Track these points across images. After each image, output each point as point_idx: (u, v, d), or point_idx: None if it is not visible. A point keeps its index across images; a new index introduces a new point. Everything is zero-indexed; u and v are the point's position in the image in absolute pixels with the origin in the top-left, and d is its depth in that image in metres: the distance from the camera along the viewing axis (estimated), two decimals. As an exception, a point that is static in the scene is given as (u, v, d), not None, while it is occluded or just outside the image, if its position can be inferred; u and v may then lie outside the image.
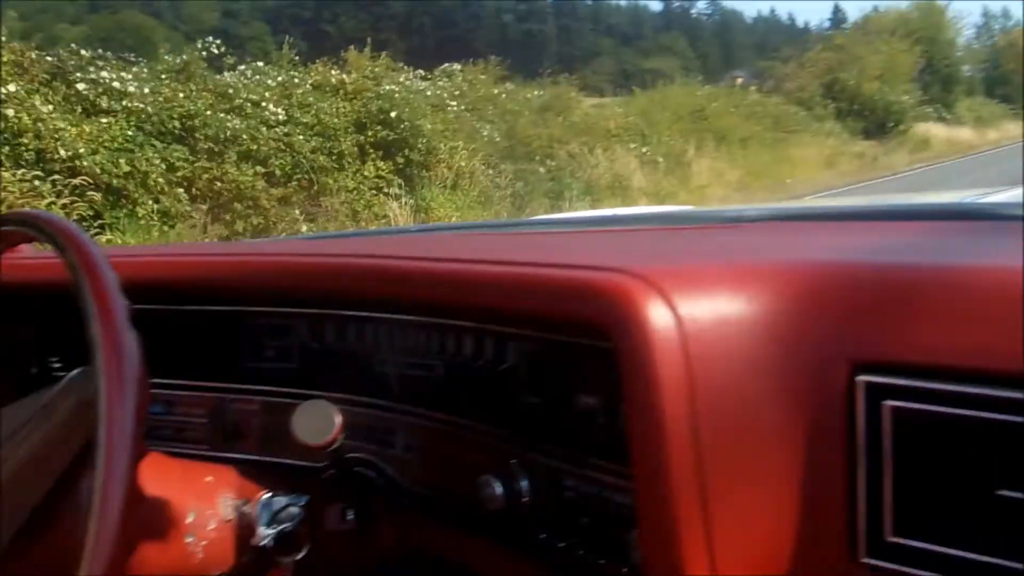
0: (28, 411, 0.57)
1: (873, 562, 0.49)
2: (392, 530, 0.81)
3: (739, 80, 22.36)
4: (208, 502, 0.70)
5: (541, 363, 0.73)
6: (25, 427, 0.56)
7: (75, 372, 0.56)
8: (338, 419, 0.64)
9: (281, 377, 0.93)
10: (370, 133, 9.10)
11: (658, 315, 0.49)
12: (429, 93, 10.48)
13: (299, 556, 0.71)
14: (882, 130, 19.91)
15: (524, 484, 0.71)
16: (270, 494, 0.72)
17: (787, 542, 0.52)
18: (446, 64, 11.64)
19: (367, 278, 0.70)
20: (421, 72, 11.03)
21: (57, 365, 1.10)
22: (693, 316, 0.49)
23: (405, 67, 10.81)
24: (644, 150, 12.66)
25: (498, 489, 0.70)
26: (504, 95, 12.00)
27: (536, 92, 13.03)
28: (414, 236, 0.78)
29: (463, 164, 9.68)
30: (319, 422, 0.64)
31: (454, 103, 10.73)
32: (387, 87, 9.52)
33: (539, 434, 0.71)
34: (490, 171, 10.19)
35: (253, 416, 0.93)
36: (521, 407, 0.75)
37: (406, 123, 9.16)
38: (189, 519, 0.69)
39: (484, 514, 0.74)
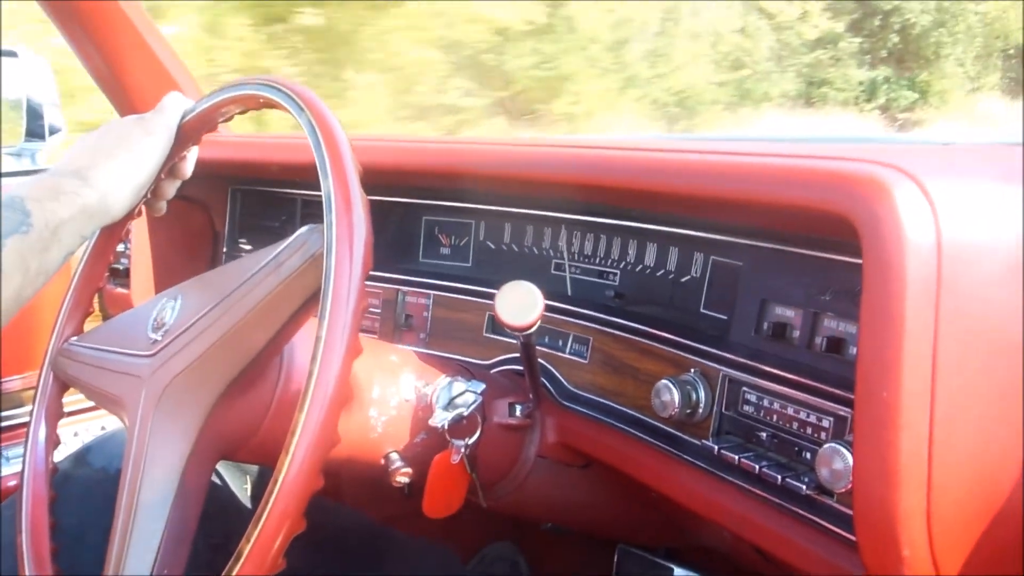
0: (259, 262, 0.60)
1: None
2: (556, 430, 0.82)
3: None
4: (391, 380, 0.73)
5: (729, 274, 0.70)
6: (256, 276, 0.59)
7: (304, 228, 0.58)
8: (542, 302, 0.64)
9: (455, 275, 0.95)
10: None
11: (912, 205, 0.44)
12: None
13: (471, 440, 0.73)
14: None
15: (702, 394, 0.69)
16: (449, 379, 0.74)
17: (1008, 479, 0.48)
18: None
19: (627, 169, 0.68)
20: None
21: (247, 248, 1.17)
22: (950, 209, 0.45)
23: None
24: None
25: (675, 397, 0.69)
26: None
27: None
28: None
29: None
30: (523, 301, 0.64)
31: None
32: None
33: (722, 346, 0.69)
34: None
35: (424, 310, 0.96)
36: (703, 318, 0.73)
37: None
38: (374, 394, 0.71)
39: (655, 421, 0.73)
